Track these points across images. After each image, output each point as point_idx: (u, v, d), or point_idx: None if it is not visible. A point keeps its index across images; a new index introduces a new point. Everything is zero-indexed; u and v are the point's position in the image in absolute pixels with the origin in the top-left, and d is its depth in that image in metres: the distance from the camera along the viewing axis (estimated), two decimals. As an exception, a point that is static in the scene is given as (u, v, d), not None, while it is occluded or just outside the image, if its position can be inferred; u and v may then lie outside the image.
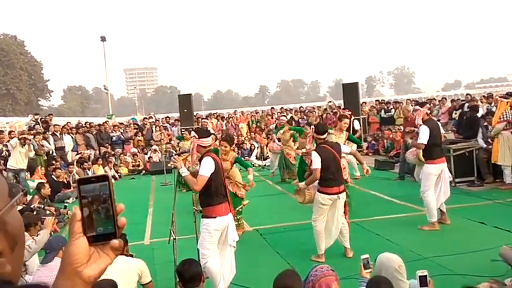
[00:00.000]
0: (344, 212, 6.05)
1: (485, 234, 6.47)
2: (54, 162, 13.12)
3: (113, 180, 0.95)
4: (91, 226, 0.91)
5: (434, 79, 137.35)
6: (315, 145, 6.14)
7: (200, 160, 4.94)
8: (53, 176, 12.04)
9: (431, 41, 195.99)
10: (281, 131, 11.81)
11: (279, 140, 12.17)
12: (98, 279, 0.92)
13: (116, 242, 0.92)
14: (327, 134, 6.09)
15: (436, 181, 6.91)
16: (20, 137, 12.07)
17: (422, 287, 2.93)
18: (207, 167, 4.77)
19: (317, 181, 5.88)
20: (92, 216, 0.92)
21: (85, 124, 19.45)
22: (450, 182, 9.58)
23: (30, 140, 12.02)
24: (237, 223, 7.14)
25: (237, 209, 6.68)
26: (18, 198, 0.87)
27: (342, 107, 17.76)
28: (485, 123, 10.16)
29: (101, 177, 0.94)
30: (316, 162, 5.77)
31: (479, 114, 11.74)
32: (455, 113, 15.81)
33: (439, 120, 15.29)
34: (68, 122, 19.20)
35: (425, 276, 2.96)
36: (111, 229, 0.92)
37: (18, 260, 0.83)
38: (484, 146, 9.67)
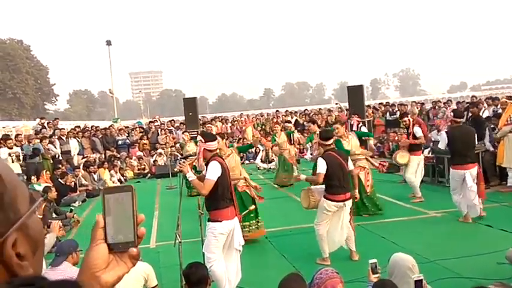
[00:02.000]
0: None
1: (492, 237, 6.45)
2: (60, 166, 13.19)
3: (136, 192, 0.99)
4: (112, 234, 0.95)
5: (439, 81, 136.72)
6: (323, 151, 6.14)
7: (207, 164, 4.96)
8: (59, 180, 12.11)
9: (437, 43, 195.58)
10: (276, 137, 12.18)
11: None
12: (115, 285, 0.95)
13: (134, 250, 0.96)
14: (332, 139, 6.08)
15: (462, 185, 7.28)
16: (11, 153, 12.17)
17: None
18: (214, 171, 4.80)
19: (324, 187, 5.89)
20: (114, 224, 0.95)
21: (91, 128, 19.56)
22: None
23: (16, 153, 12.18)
24: (256, 226, 7.16)
25: (242, 214, 6.69)
26: (39, 203, 0.89)
27: (347, 108, 17.79)
28: (492, 126, 10.11)
29: (125, 187, 0.98)
30: (320, 167, 5.78)
31: (484, 115, 11.72)
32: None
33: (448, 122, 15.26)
34: (76, 126, 19.33)
35: (421, 280, 2.96)
36: (130, 238, 0.96)
37: (39, 263, 0.86)
38: (491, 149, 9.62)
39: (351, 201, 5.97)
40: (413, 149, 8.94)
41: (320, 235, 5.91)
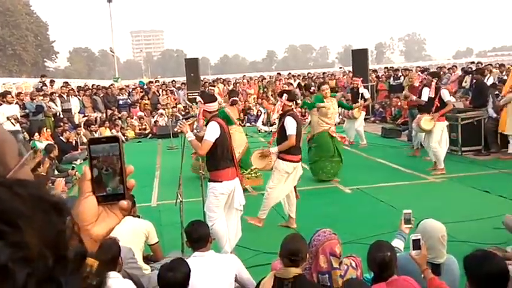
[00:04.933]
0: None
1: (489, 203, 6.50)
2: (61, 124, 13.21)
3: (122, 142, 0.95)
4: (100, 186, 0.92)
5: (445, 46, 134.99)
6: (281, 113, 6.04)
7: (206, 125, 4.96)
8: (60, 138, 12.15)
9: (444, 7, 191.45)
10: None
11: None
12: (106, 237, 0.94)
13: (124, 202, 0.93)
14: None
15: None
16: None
17: (416, 250, 3.00)
18: (212, 132, 4.80)
19: (276, 148, 5.86)
20: (102, 176, 0.92)
21: (92, 87, 19.43)
22: (456, 151, 9.62)
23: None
24: (255, 175, 7.45)
25: (244, 173, 6.76)
26: (29, 156, 0.88)
27: (350, 71, 17.62)
28: (496, 92, 10.02)
29: (111, 138, 0.94)
30: (292, 127, 5.69)
31: (489, 82, 11.59)
32: (466, 82, 15.59)
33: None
34: (64, 82, 18.79)
35: (419, 239, 3.02)
36: (120, 190, 0.93)
37: None
38: (494, 115, 9.55)
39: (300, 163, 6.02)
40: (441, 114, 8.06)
41: (274, 197, 5.87)
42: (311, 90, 10.68)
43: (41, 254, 0.57)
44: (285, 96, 5.91)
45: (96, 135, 13.79)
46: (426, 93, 8.64)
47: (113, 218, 0.93)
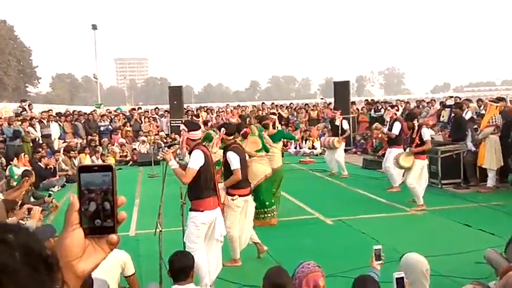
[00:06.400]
0: None
1: (470, 237, 6.53)
2: (40, 149, 12.96)
3: (116, 172, 0.90)
4: (89, 217, 0.87)
5: (423, 81, 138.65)
6: (224, 147, 5.91)
7: (190, 153, 4.91)
8: (39, 163, 11.89)
9: (423, 43, 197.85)
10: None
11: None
12: (91, 273, 0.88)
13: (114, 237, 0.88)
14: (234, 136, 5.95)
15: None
16: None
17: None
18: (196, 160, 4.75)
19: (222, 185, 5.70)
20: (91, 207, 0.87)
21: (73, 112, 19.24)
22: (436, 184, 9.73)
23: None
24: (271, 215, 7.30)
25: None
26: (1, 186, 0.82)
27: (332, 105, 17.86)
28: (475, 126, 10.24)
29: (104, 166, 0.89)
30: (235, 162, 5.53)
31: (467, 117, 11.85)
32: (443, 116, 15.90)
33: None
34: (49, 109, 18.66)
35: (403, 278, 2.91)
36: (109, 222, 0.87)
37: None
38: (473, 149, 9.72)
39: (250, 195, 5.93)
40: (417, 152, 8.09)
41: (233, 237, 5.65)
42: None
43: None
44: (222, 130, 5.77)
45: (76, 161, 13.55)
46: (397, 127, 9.21)
47: (99, 253, 0.88)
